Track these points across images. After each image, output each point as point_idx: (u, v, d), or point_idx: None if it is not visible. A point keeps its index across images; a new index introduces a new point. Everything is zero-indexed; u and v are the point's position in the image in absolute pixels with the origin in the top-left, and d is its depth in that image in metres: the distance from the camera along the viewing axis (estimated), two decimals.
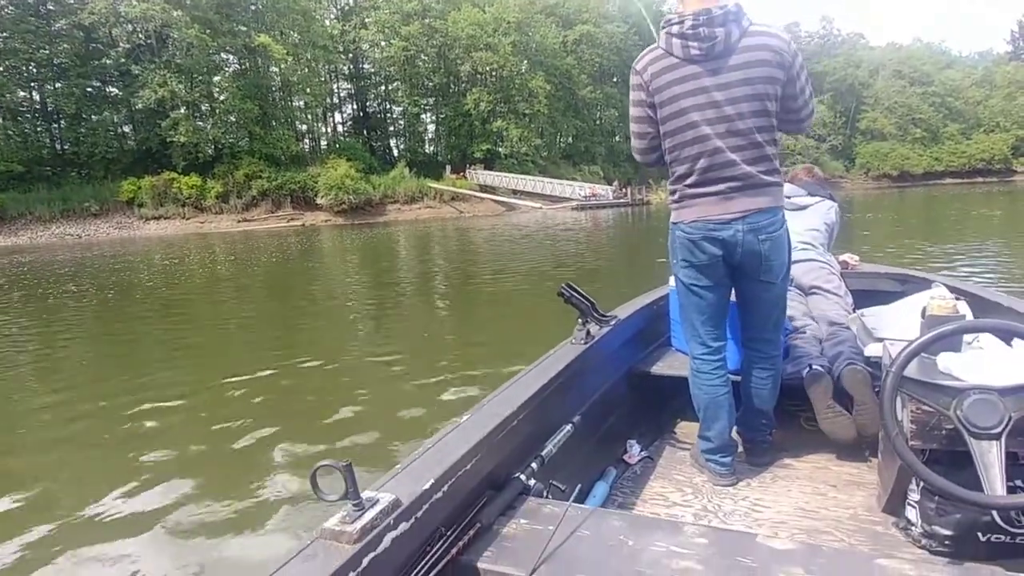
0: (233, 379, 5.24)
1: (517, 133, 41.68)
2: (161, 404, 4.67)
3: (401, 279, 12.31)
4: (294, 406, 4.56)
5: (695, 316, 1.95)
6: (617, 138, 52.27)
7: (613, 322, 2.36)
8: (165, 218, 31.43)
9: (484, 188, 38.78)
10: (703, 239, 1.83)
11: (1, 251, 23.97)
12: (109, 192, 31.28)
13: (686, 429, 2.46)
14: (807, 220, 2.75)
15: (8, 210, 28.72)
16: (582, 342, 2.12)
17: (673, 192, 1.92)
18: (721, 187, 1.79)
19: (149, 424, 4.29)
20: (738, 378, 2.04)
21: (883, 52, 70.45)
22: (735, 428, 2.11)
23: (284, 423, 4.11)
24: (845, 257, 3.13)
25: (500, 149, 41.89)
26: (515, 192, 38.12)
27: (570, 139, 50.18)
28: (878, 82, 65.45)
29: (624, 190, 40.16)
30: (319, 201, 33.52)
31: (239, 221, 32.19)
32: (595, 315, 2.29)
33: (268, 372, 5.46)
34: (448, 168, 41.13)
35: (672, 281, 2.43)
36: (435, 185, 37.58)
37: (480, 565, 1.23)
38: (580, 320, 2.19)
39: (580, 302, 2.20)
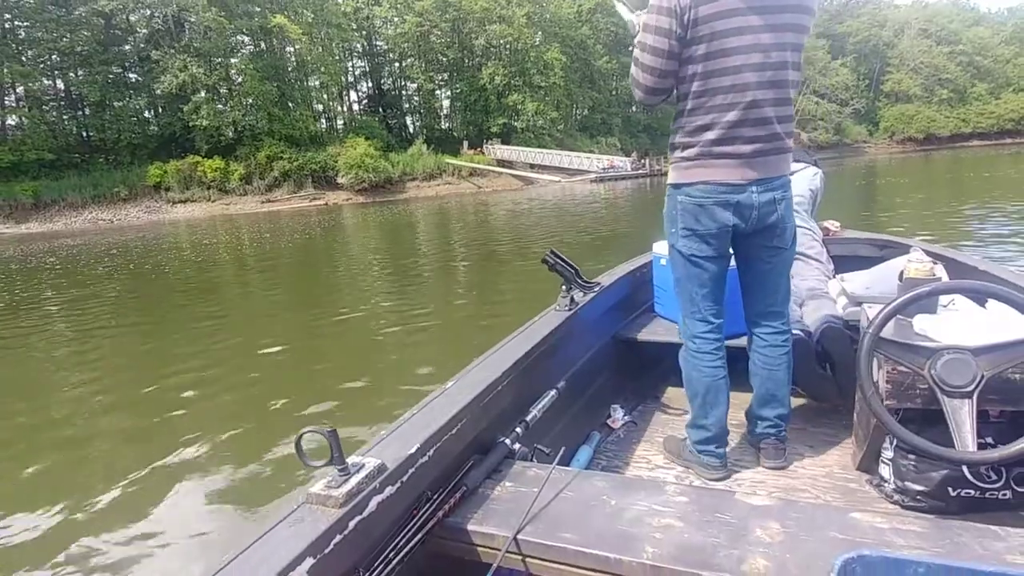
0: (268, 344, 5.74)
1: (533, 107, 41.50)
2: (201, 367, 5.21)
3: (424, 254, 12.67)
4: (315, 375, 4.89)
5: (696, 290, 1.75)
6: (634, 108, 51.69)
7: (597, 289, 2.38)
8: (192, 201, 32.11)
9: (502, 163, 38.86)
10: (714, 204, 1.63)
11: (39, 236, 24.84)
12: (136, 177, 31.99)
13: (669, 394, 2.48)
14: (793, 187, 2.79)
15: (42, 197, 29.54)
16: (566, 309, 2.12)
17: (684, 147, 1.66)
18: (746, 149, 1.60)
19: (184, 386, 4.73)
20: (732, 342, 1.97)
21: (908, 10, 68.25)
22: (746, 434, 1.98)
23: (304, 392, 4.41)
24: (826, 223, 3.15)
25: (516, 123, 41.79)
26: (533, 166, 38.14)
27: (586, 111, 49.81)
28: (903, 42, 63.60)
29: (642, 161, 39.94)
30: (340, 180, 33.96)
31: (263, 202, 32.78)
32: (579, 282, 2.30)
33: (299, 341, 5.97)
34: (465, 144, 41.21)
35: (656, 248, 2.45)
36: (453, 161, 37.76)
37: (467, 527, 1.25)
38: (564, 287, 2.19)
39: (564, 269, 2.20)
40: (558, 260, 2.18)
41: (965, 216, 10.90)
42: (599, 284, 2.44)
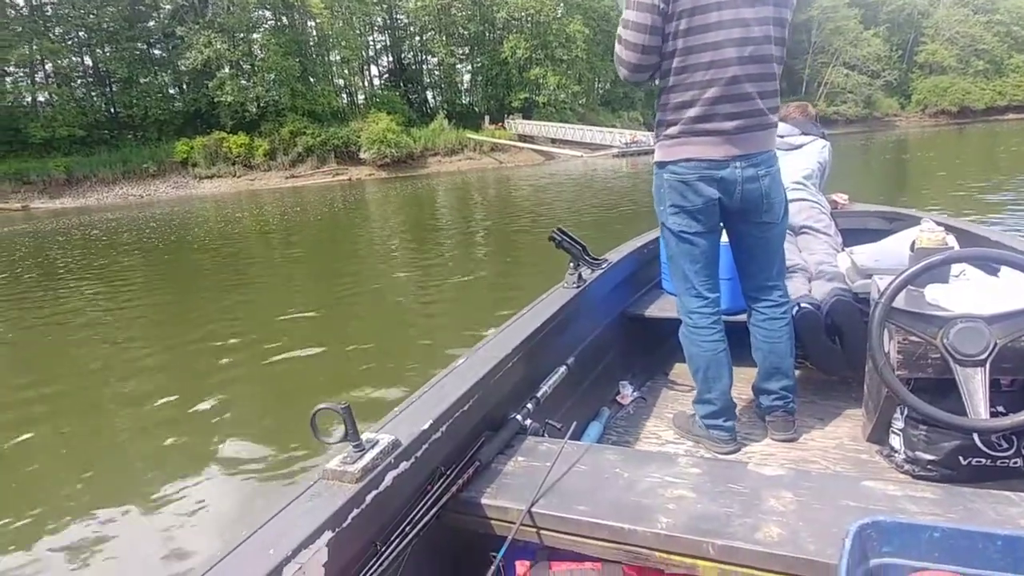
0: (297, 313, 6.05)
1: (555, 80, 41.08)
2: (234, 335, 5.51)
3: (445, 230, 12.89)
4: (338, 343, 5.10)
5: (688, 266, 1.76)
6: (657, 81, 50.85)
7: (605, 266, 2.38)
8: (218, 177, 32.61)
9: (523, 138, 38.68)
10: (698, 180, 1.64)
11: (73, 211, 25.53)
12: (164, 153, 32.56)
13: (678, 370, 2.48)
14: (801, 160, 2.71)
15: (74, 173, 30.29)
16: (574, 286, 2.12)
17: (668, 125, 1.66)
18: (727, 125, 1.60)
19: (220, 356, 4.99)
20: (731, 318, 1.93)
21: None
22: (755, 409, 2.01)
23: (325, 360, 4.62)
24: (835, 196, 3.11)
25: (538, 97, 41.42)
26: (554, 141, 37.90)
27: (608, 84, 49.05)
28: (939, 11, 61.25)
29: None
30: (362, 156, 34.18)
31: (287, 178, 33.18)
32: (587, 259, 2.29)
33: (324, 313, 6.23)
34: (487, 119, 41.06)
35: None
36: (474, 136, 37.70)
37: (481, 501, 1.26)
38: (572, 264, 2.18)
39: (571, 246, 2.19)
40: (565, 237, 2.18)
41: (992, 191, 10.74)
42: (607, 261, 2.44)
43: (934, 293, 1.53)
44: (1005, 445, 1.51)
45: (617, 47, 1.67)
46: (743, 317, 1.94)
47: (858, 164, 19.97)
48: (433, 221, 14.23)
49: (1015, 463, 1.51)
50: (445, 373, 1.49)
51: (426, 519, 1.14)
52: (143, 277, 9.56)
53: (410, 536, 1.10)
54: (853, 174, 15.92)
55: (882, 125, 54.72)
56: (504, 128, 39.70)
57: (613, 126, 40.89)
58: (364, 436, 1.15)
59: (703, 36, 1.55)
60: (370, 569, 1.02)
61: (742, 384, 1.96)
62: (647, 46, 1.60)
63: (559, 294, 2.08)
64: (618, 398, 2.29)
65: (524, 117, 40.64)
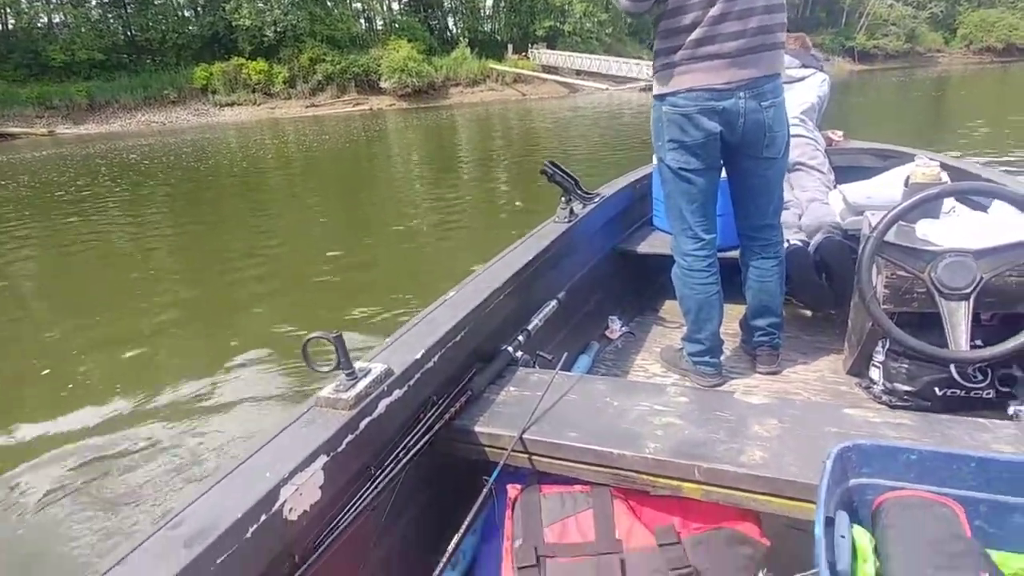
0: (323, 239, 6.30)
1: (581, 8, 39.42)
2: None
3: (465, 165, 12.87)
4: (358, 271, 5.31)
5: (684, 205, 1.70)
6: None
7: (597, 200, 2.36)
8: (238, 104, 32.32)
9: (547, 68, 37.56)
10: (699, 112, 1.55)
11: (98, 138, 25.64)
12: (184, 79, 32.18)
13: (667, 306, 2.51)
14: (801, 94, 2.62)
15: (96, 98, 30.17)
16: (565, 220, 2.11)
17: (667, 52, 1.57)
18: (731, 46, 1.50)
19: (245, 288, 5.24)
20: (723, 254, 1.89)
21: None
22: (741, 343, 2.04)
23: (340, 288, 4.82)
24: (828, 133, 3.04)
25: (563, 26, 39.91)
26: (579, 73, 36.79)
27: None
28: None
29: None
30: (383, 85, 33.55)
31: (307, 107, 32.76)
32: (579, 193, 2.25)
33: (345, 242, 6.46)
34: (510, 48, 39.79)
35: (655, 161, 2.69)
36: (497, 67, 36.68)
37: (473, 428, 1.29)
38: (564, 198, 2.15)
39: (564, 180, 2.16)
40: (557, 171, 2.14)
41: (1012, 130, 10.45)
42: (599, 195, 2.42)
43: (924, 228, 1.54)
44: (980, 377, 1.58)
45: None
46: (734, 254, 1.93)
47: (889, 102, 19.28)
48: (454, 153, 14.22)
49: (988, 394, 1.58)
50: (436, 305, 1.51)
51: (419, 445, 1.17)
52: (188, 200, 10.09)
53: (404, 461, 1.13)
54: (871, 112, 15.46)
55: (923, 61, 52.15)
56: (527, 58, 38.53)
57: (640, 58, 39.46)
58: (357, 365, 1.16)
59: None
60: (365, 491, 1.05)
61: (729, 319, 1.99)
62: None
63: (551, 228, 2.07)
64: (607, 332, 2.31)
65: (548, 47, 39.32)
